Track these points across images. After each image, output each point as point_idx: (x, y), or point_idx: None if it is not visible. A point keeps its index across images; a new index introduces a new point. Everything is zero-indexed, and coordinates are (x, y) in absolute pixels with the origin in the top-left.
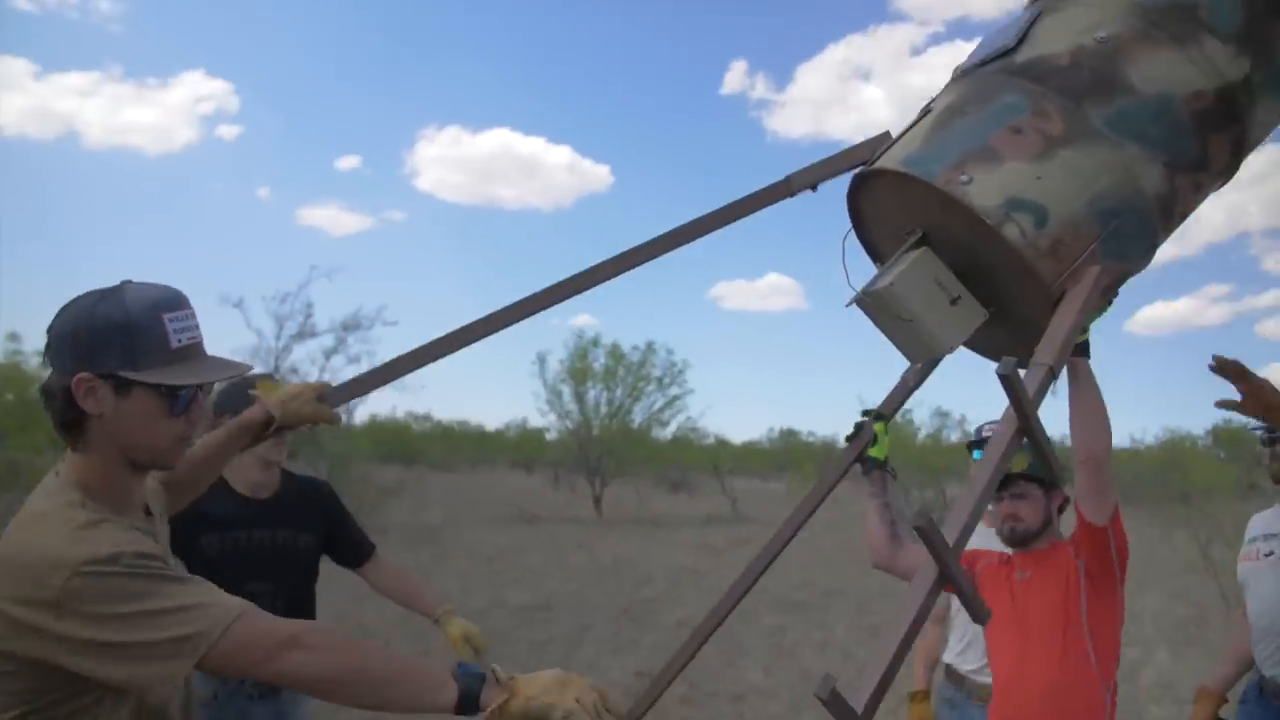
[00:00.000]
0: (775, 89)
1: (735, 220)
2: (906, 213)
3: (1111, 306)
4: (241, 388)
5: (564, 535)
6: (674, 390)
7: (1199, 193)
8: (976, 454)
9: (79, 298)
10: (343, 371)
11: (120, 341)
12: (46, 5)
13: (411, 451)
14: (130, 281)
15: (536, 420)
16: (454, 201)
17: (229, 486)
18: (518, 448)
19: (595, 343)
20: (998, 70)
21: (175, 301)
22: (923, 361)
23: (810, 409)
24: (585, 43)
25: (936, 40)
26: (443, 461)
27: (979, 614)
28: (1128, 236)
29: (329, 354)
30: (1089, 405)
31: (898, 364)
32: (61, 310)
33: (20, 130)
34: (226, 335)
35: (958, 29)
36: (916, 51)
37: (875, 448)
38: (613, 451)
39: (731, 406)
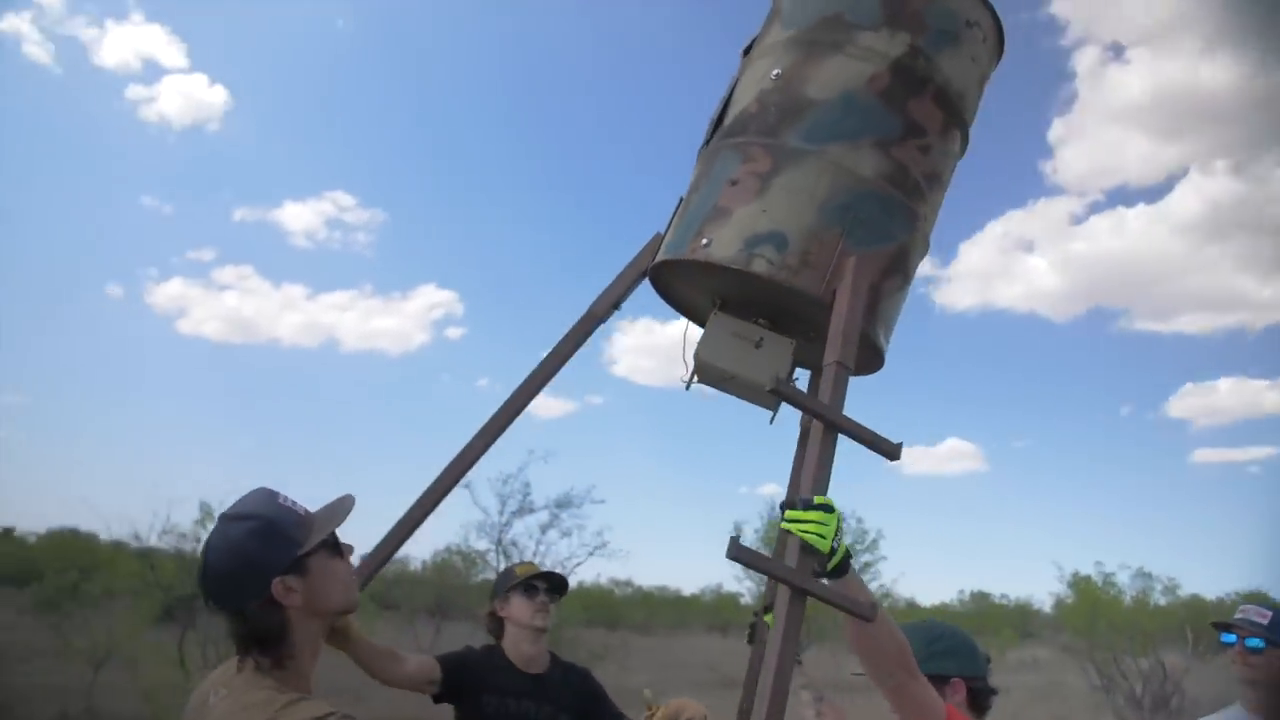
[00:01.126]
0: (940, 265)
1: (568, 359)
2: (701, 291)
3: (910, 283)
4: (509, 571)
5: None
6: (866, 557)
7: (930, 153)
8: (1226, 637)
9: (210, 547)
10: (556, 545)
11: (275, 539)
12: (318, 239)
13: (615, 616)
14: (225, 511)
15: (731, 585)
16: (646, 385)
17: (506, 657)
18: (715, 611)
19: None
20: (715, 141)
21: (273, 490)
22: (774, 408)
23: (999, 570)
24: None
25: (1097, 209)
26: (643, 624)
27: (863, 612)
28: (874, 219)
29: (545, 529)
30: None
31: (1090, 519)
32: (208, 565)
33: (295, 341)
34: (457, 512)
35: (1118, 196)
36: (1078, 220)
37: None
38: (809, 617)
39: (920, 570)
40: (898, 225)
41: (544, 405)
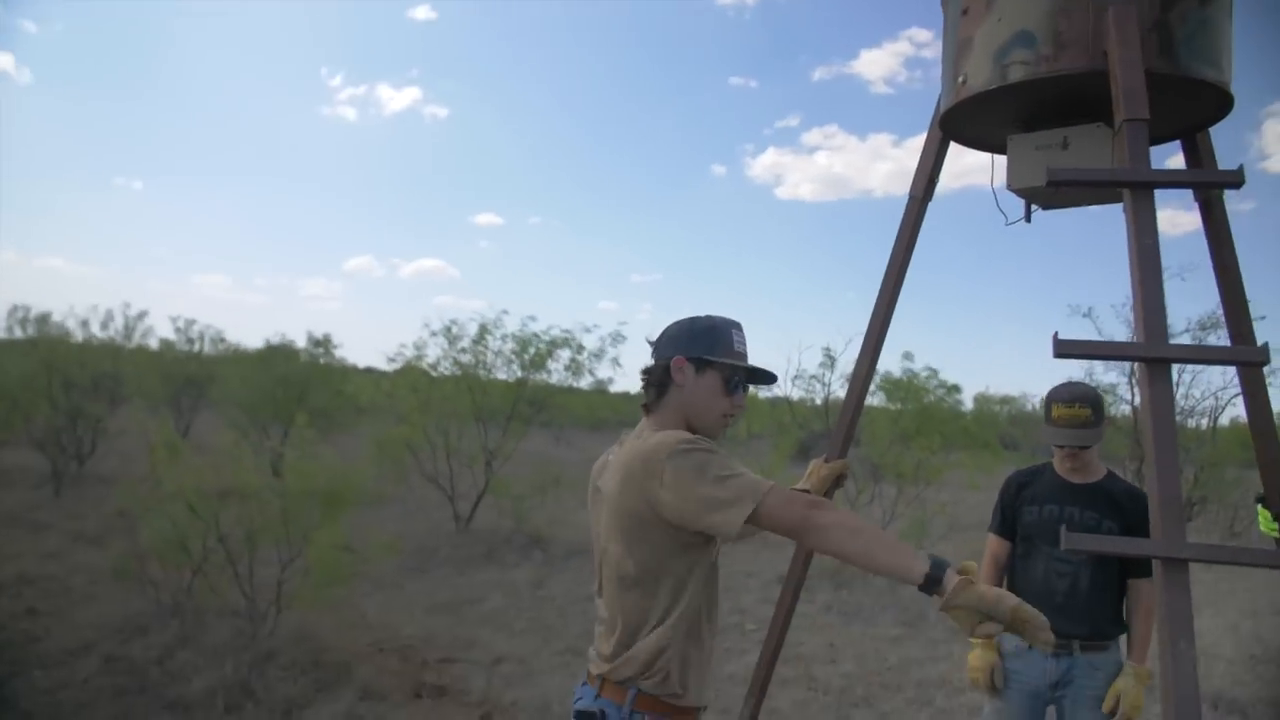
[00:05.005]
0: None
1: (910, 250)
2: (1000, 126)
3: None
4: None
5: None
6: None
7: None
8: None
9: (682, 319)
10: (1204, 371)
11: (707, 338)
12: (898, 83)
13: None
14: (712, 314)
15: None
16: None
17: (1054, 470)
18: None
19: None
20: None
21: (739, 325)
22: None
23: None
24: None
25: None
26: None
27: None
28: None
29: None
30: None
31: None
32: (670, 325)
33: (887, 190)
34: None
35: None
36: None
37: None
38: None
39: None
40: None
41: (1172, 221)
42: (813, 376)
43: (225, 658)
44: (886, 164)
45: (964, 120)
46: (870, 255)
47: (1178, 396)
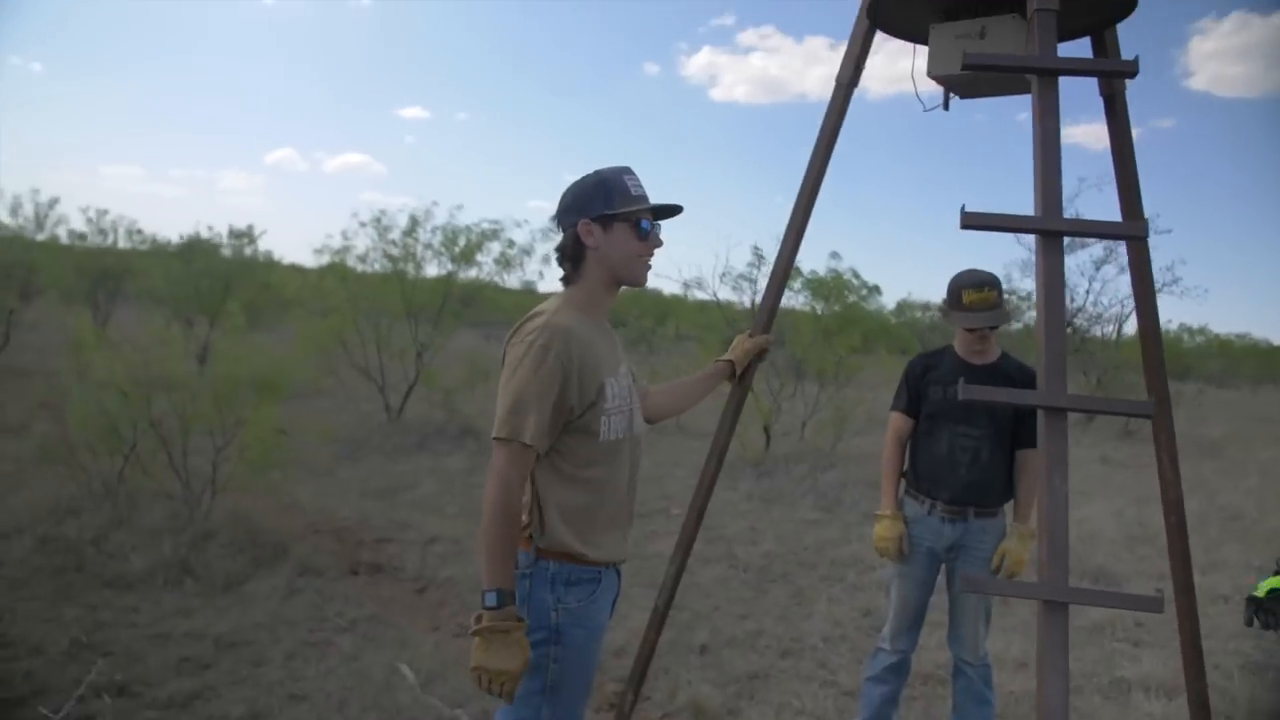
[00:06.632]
0: None
1: (834, 136)
2: (925, 13)
3: None
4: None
5: None
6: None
7: None
8: None
9: (570, 184)
10: (1114, 281)
11: (600, 193)
12: None
13: (1184, 367)
14: (598, 169)
15: None
16: (1235, 97)
17: (955, 353)
18: None
19: None
20: None
21: (629, 169)
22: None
23: None
24: None
25: None
26: (1218, 376)
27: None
28: None
29: (1099, 264)
30: None
31: None
32: (563, 194)
33: (821, 95)
34: (1001, 249)
35: None
36: None
37: None
38: None
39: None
40: None
41: (1096, 135)
42: (740, 275)
43: (162, 538)
44: (823, 67)
45: (891, 9)
46: (803, 159)
47: (1088, 305)
